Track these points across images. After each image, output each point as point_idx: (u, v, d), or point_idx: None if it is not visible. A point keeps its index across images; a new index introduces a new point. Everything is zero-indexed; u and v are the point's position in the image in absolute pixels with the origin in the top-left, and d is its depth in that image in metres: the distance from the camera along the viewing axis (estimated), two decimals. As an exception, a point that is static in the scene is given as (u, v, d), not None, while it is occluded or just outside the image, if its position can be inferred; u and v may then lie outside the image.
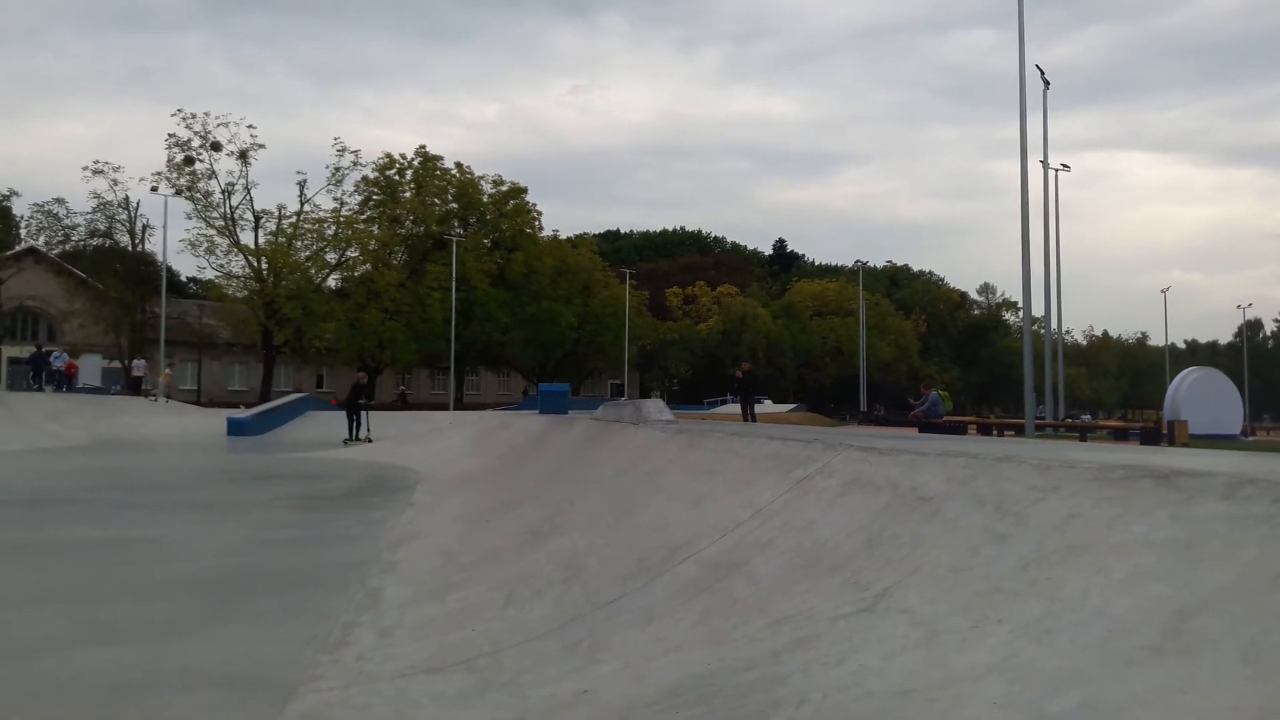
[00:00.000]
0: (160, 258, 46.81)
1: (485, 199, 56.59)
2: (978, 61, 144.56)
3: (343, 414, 28.03)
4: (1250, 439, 38.96)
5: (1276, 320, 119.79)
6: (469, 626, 4.01)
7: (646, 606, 3.48)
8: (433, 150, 55.31)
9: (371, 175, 52.35)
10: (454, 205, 55.69)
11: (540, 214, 59.01)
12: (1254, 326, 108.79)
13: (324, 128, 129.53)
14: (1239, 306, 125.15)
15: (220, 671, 3.64)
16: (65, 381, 33.91)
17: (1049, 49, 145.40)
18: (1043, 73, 36.53)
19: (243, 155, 46.05)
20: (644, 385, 71.90)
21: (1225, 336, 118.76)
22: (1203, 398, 34.68)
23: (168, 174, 44.88)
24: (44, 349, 36.82)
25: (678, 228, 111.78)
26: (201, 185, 45.88)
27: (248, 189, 47.05)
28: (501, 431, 16.51)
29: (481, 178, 56.80)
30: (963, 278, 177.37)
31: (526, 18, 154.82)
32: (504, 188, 57.03)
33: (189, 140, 45.16)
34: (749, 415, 24.10)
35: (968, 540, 2.73)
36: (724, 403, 60.19)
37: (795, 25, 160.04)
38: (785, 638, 2.65)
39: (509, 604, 4.25)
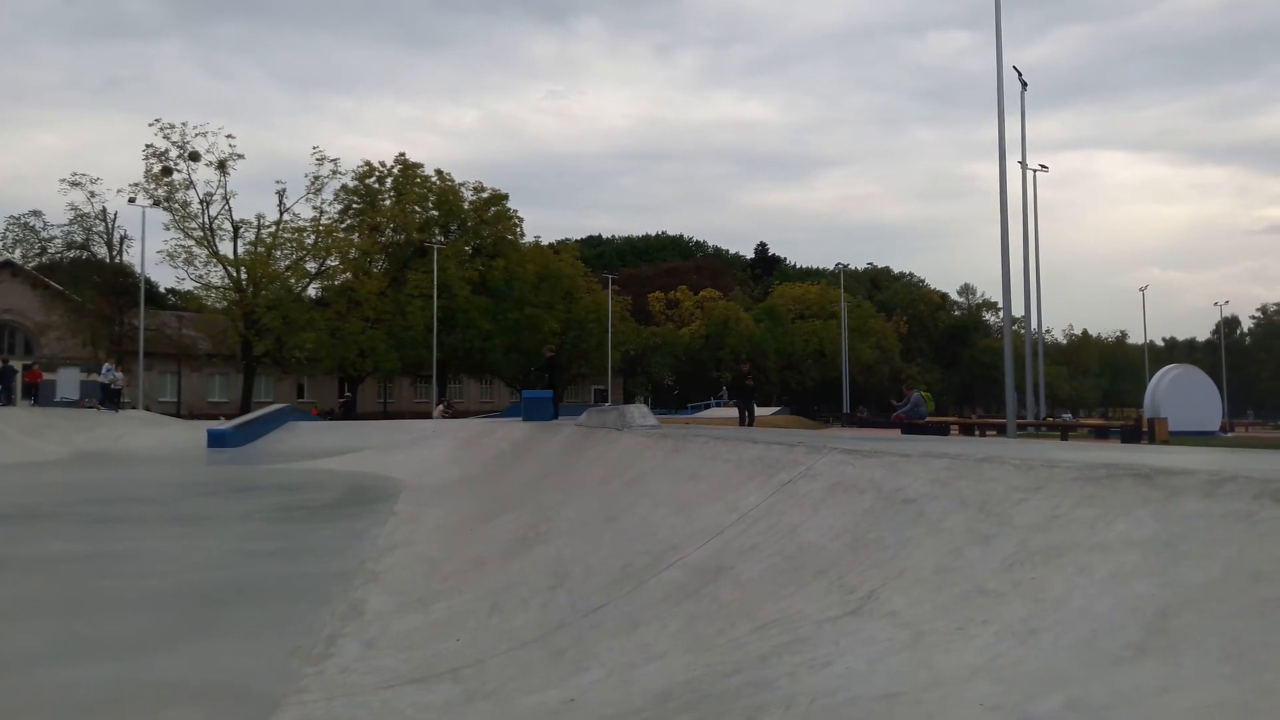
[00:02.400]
0: (138, 269, 46.60)
1: (466, 206, 56.50)
2: (954, 63, 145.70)
3: (324, 424, 27.71)
4: (1229, 435, 39.32)
5: (1253, 317, 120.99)
6: (454, 636, 3.99)
7: (632, 613, 3.47)
8: (412, 158, 55.20)
9: (351, 184, 52.19)
10: (434, 213, 55.59)
11: (521, 220, 58.94)
12: (1231, 323, 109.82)
13: (301, 135, 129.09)
14: (1216, 304, 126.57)
15: (203, 685, 3.61)
16: (116, 399, 32.73)
17: (1024, 50, 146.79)
18: (1020, 74, 36.82)
19: (221, 165, 45.85)
20: (627, 390, 71.92)
21: (1203, 334, 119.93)
22: (1182, 395, 35.00)
23: (145, 184, 44.62)
24: (9, 362, 36.04)
25: (659, 232, 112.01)
26: (179, 196, 45.65)
27: (226, 199, 46.86)
28: (485, 439, 16.47)
29: (462, 185, 56.72)
30: (943, 279, 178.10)
31: (503, 24, 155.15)
32: (485, 194, 56.95)
33: (166, 150, 44.94)
34: (747, 419, 23.58)
35: (951, 542, 2.74)
36: (708, 406, 60.25)
37: (772, 29, 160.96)
38: (772, 642, 2.65)
39: (494, 613, 4.23)
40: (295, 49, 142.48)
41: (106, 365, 34.51)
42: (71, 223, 45.97)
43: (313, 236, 48.64)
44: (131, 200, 43.97)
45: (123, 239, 48.10)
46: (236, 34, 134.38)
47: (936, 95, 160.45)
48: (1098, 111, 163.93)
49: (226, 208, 47.07)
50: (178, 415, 42.21)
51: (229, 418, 35.63)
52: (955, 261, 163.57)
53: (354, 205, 52.68)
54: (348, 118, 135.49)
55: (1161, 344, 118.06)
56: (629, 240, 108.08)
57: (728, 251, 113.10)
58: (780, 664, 2.45)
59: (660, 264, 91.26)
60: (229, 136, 46.08)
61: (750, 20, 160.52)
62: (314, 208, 49.58)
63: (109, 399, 32.23)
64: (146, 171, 44.79)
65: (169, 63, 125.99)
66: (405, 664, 3.69)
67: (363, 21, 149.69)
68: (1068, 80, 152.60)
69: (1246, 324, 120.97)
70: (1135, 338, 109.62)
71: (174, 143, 44.97)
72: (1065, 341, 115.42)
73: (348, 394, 52.53)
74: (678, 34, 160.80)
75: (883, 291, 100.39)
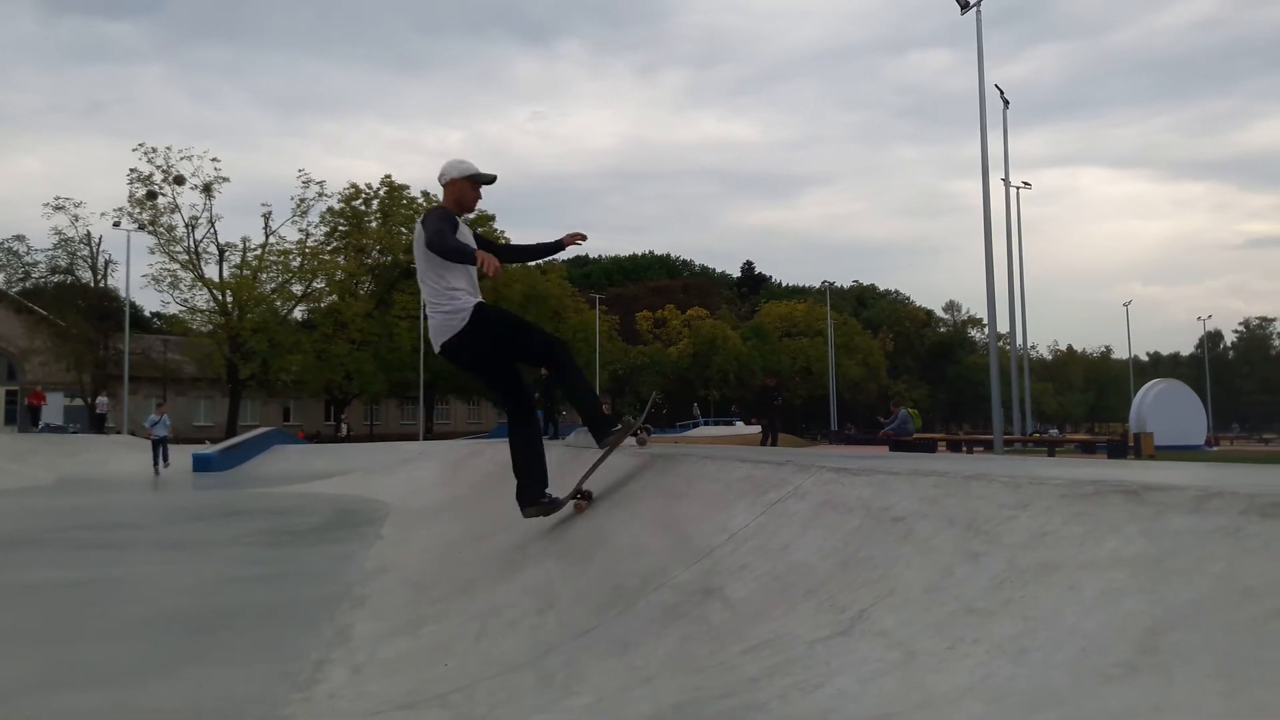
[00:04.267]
0: (123, 293, 46.42)
1: (452, 227, 56.51)
2: (935, 81, 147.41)
3: (311, 447, 27.35)
4: (1215, 449, 39.51)
5: (1236, 331, 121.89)
6: (442, 661, 3.96)
7: (622, 635, 3.45)
8: (397, 179, 55.28)
9: (337, 206, 52.17)
10: (421, 234, 55.60)
11: (508, 241, 59.07)
12: (1214, 338, 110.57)
13: (285, 158, 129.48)
14: (1199, 318, 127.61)
15: (191, 712, 3.57)
16: (166, 450, 26.68)
17: (1004, 68, 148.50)
18: (1002, 92, 37.17)
19: (206, 188, 45.84)
20: (616, 410, 71.87)
21: (1186, 348, 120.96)
22: (1167, 409, 35.19)
23: (130, 209, 44.57)
24: None
25: (646, 252, 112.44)
26: (164, 219, 45.64)
27: (212, 222, 46.81)
28: (472, 460, 16.40)
29: (448, 206, 56.78)
30: (928, 296, 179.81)
31: (486, 46, 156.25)
32: (471, 215, 57.03)
33: (151, 174, 44.87)
34: (771, 439, 22.08)
35: (940, 560, 2.74)
36: (695, 425, 60.23)
37: (753, 49, 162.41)
38: (762, 663, 2.64)
39: (482, 637, 4.21)
40: (278, 72, 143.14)
41: (156, 417, 27.34)
42: (55, 247, 45.86)
43: (299, 259, 48.60)
44: (116, 224, 43.89)
45: (107, 263, 48.00)
46: (219, 58, 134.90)
47: (918, 113, 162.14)
48: (1078, 128, 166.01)
49: (212, 231, 47.04)
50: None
51: (215, 441, 35.42)
52: (940, 278, 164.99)
53: (340, 227, 52.64)
54: (332, 140, 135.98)
55: (1146, 359, 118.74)
56: (616, 260, 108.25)
57: (714, 270, 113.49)
58: (771, 686, 2.44)
59: (647, 283, 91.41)
60: (214, 160, 46.21)
61: (731, 40, 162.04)
62: (300, 230, 49.59)
63: (162, 452, 26.65)
64: (131, 195, 44.74)
65: (152, 87, 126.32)
66: (393, 689, 3.66)
67: (345, 44, 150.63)
68: (1047, 98, 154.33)
69: (1230, 338, 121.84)
70: (1120, 353, 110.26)
71: (159, 166, 44.98)
72: (1050, 357, 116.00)
73: (344, 418, 52.32)
74: (659, 54, 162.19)
75: (868, 309, 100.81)
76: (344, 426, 50.04)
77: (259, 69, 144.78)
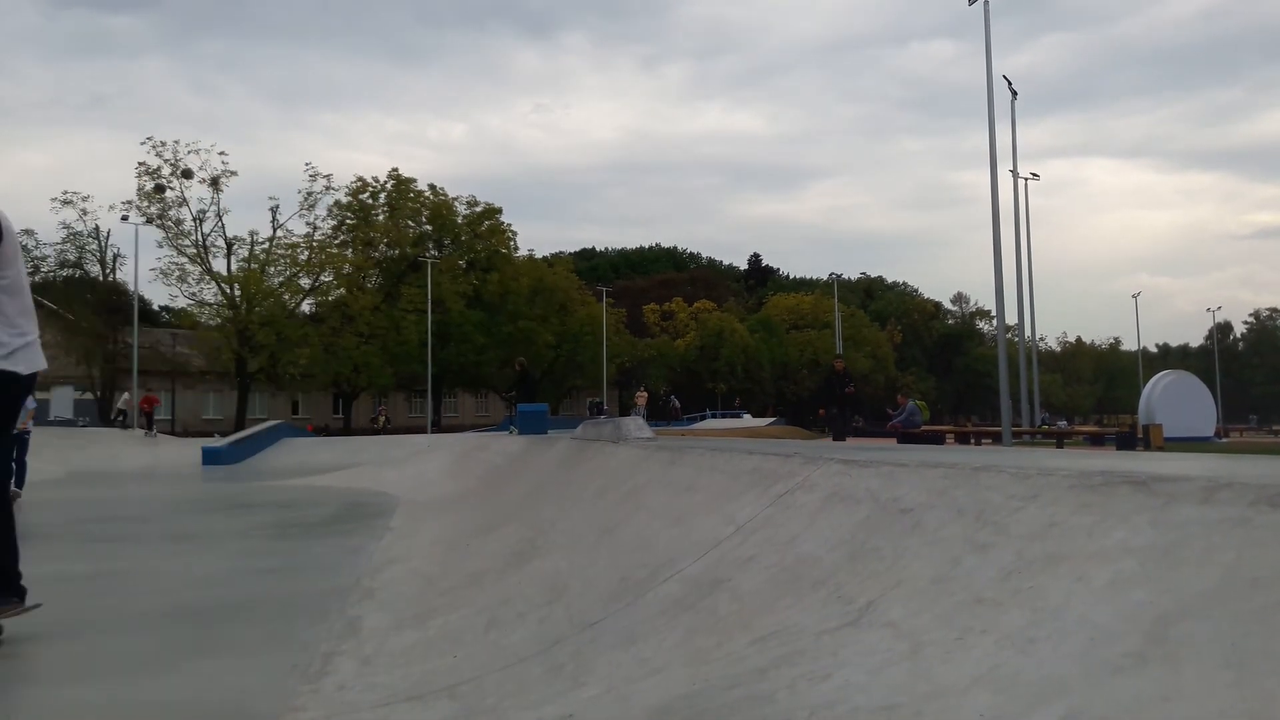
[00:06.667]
0: (132, 287, 46.53)
1: (459, 220, 56.55)
2: (939, 73, 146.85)
3: (319, 440, 27.37)
4: (1224, 441, 39.37)
5: (1246, 322, 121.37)
6: (451, 652, 3.97)
7: (630, 627, 3.46)
8: (402, 172, 55.28)
9: (344, 199, 52.19)
10: (428, 227, 55.63)
11: (515, 234, 59.09)
12: (1224, 329, 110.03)
13: (288, 151, 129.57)
14: (1209, 310, 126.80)
15: (200, 704, 3.59)
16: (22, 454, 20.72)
17: (1008, 58, 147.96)
18: (1010, 83, 36.98)
19: (214, 182, 45.91)
20: (623, 403, 71.91)
21: (1195, 339, 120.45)
22: (1176, 401, 35.05)
23: (138, 202, 44.69)
24: None
25: (653, 244, 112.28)
26: (172, 213, 45.68)
27: (219, 216, 46.88)
28: (480, 453, 16.44)
29: (455, 199, 56.83)
30: (936, 288, 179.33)
31: (487, 38, 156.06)
32: (478, 208, 57.03)
33: (159, 168, 44.93)
34: (842, 433, 20.46)
35: (949, 551, 2.74)
36: (704, 418, 60.18)
37: (756, 41, 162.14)
38: (770, 654, 2.64)
39: (491, 628, 4.22)
40: (280, 65, 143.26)
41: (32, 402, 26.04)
42: (64, 241, 45.96)
43: (306, 252, 48.67)
44: (124, 218, 44.03)
45: (115, 257, 48.12)
46: (221, 50, 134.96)
47: (922, 105, 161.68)
48: (1083, 119, 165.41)
49: (219, 224, 47.11)
50: (172, 433, 42.06)
51: (223, 435, 35.52)
52: (948, 270, 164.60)
53: (347, 221, 52.67)
54: (335, 133, 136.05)
55: (1155, 350, 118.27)
56: (623, 252, 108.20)
57: (721, 263, 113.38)
58: (779, 677, 2.44)
59: (655, 276, 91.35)
60: (221, 153, 46.20)
61: (734, 32, 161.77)
62: (307, 224, 49.65)
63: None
64: (139, 189, 44.82)
65: (154, 80, 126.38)
66: (402, 681, 3.67)
67: (346, 36, 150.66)
68: (1053, 88, 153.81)
69: (1239, 329, 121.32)
70: (1128, 344, 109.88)
71: (166, 160, 45.02)
72: (1059, 349, 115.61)
73: (381, 408, 52.26)
74: (663, 47, 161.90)
75: (876, 301, 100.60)
76: (381, 417, 49.72)
77: (260, 61, 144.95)
